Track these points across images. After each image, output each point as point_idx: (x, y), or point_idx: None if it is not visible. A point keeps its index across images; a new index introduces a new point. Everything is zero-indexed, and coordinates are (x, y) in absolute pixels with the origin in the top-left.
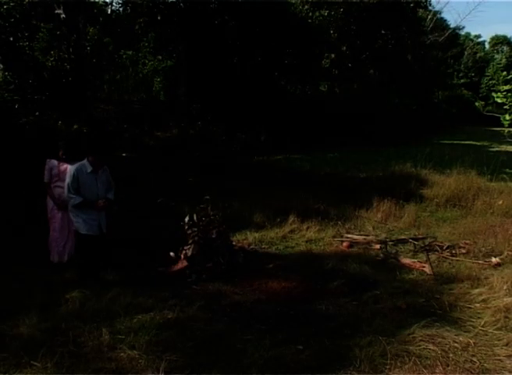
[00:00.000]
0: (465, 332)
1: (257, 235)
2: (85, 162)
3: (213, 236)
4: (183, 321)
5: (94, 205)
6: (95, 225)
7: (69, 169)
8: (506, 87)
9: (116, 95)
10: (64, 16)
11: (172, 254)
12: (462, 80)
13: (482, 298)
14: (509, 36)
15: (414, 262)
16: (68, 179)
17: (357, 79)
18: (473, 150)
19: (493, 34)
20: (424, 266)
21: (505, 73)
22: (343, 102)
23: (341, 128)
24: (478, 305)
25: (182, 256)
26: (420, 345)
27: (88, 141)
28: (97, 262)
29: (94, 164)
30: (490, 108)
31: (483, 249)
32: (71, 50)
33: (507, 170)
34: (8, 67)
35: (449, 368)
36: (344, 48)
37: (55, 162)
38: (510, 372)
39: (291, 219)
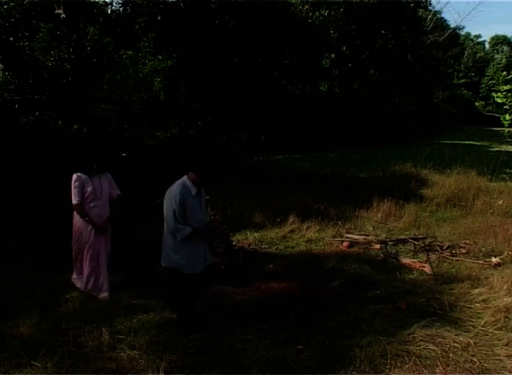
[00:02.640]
0: (465, 332)
1: (257, 235)
2: (185, 181)
3: (213, 236)
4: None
5: (201, 234)
6: (202, 260)
7: (170, 192)
8: (506, 87)
9: (116, 95)
10: (64, 16)
11: None
12: (462, 80)
13: (482, 298)
14: (509, 36)
15: (414, 262)
16: (172, 205)
17: (357, 79)
18: (473, 150)
19: (493, 34)
20: (424, 266)
21: (505, 73)
22: (343, 102)
23: (341, 128)
24: (478, 305)
25: None
26: (420, 345)
27: (191, 158)
28: (194, 303)
29: (197, 184)
30: (490, 108)
31: (483, 249)
32: (71, 50)
33: (507, 170)
34: (8, 67)
35: (449, 368)
36: (344, 48)
37: (85, 176)
38: (510, 372)
39: (291, 219)
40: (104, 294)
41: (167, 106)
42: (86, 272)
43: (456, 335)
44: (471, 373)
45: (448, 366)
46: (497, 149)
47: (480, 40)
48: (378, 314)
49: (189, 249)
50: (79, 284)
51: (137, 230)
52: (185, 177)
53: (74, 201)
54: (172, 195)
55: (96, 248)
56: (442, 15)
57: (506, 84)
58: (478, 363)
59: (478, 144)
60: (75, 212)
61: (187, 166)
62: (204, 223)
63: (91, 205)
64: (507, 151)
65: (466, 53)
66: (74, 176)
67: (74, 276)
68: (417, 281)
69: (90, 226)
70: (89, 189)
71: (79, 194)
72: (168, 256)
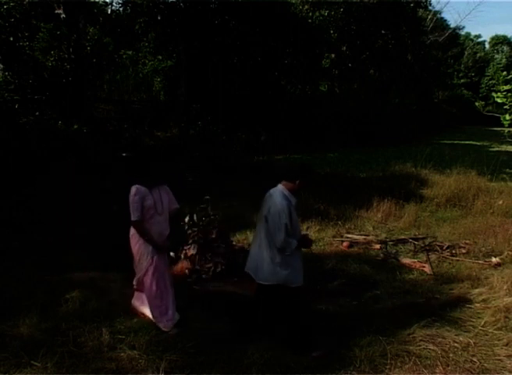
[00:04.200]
0: (465, 332)
1: None
2: (284, 191)
3: (213, 236)
4: (182, 321)
5: (305, 246)
6: (302, 273)
7: (277, 204)
8: (506, 87)
9: (116, 95)
10: (64, 16)
11: (172, 254)
12: (462, 80)
13: (482, 298)
14: (509, 36)
15: (414, 262)
16: (282, 219)
17: (357, 79)
18: (473, 150)
19: (493, 34)
20: (424, 266)
21: (505, 73)
22: (343, 102)
23: (341, 128)
24: (478, 305)
25: (182, 256)
26: (420, 345)
27: (287, 165)
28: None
29: (295, 193)
30: (490, 108)
31: (483, 249)
32: (71, 50)
33: (507, 170)
34: (8, 67)
35: (449, 368)
36: (344, 48)
37: (144, 189)
38: (510, 372)
39: None
40: (170, 324)
41: (167, 106)
42: (152, 299)
43: (456, 335)
44: (471, 373)
45: (448, 366)
46: (497, 149)
47: (480, 40)
48: (378, 314)
49: (295, 262)
50: (146, 312)
51: None
52: (281, 187)
53: (134, 217)
54: (279, 209)
55: (161, 271)
56: (442, 15)
57: (506, 84)
58: (478, 363)
59: (478, 144)
60: (133, 231)
61: (283, 174)
62: (301, 234)
63: (152, 221)
64: (507, 151)
65: (466, 53)
66: (133, 189)
67: (136, 303)
68: (417, 281)
69: (151, 247)
70: (149, 203)
71: (139, 209)
72: (276, 273)
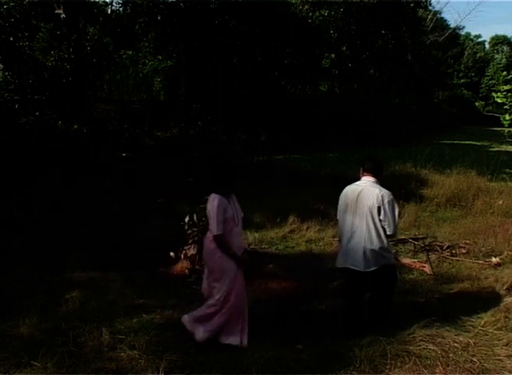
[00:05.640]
0: (465, 332)
1: (257, 235)
2: (377, 183)
3: None
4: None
5: None
6: None
7: (385, 195)
8: (506, 87)
9: (116, 95)
10: (64, 16)
11: (172, 254)
12: (462, 80)
13: (482, 298)
14: (509, 36)
15: (414, 262)
16: (395, 207)
17: (357, 79)
18: (473, 150)
19: (493, 34)
20: (424, 266)
21: (505, 73)
22: (343, 102)
23: (341, 128)
24: (478, 305)
25: (182, 256)
26: (420, 345)
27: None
28: None
29: None
30: (490, 108)
31: (483, 249)
32: (71, 50)
33: (507, 170)
34: (8, 67)
35: (449, 368)
36: (344, 48)
37: (224, 198)
38: (510, 372)
39: (291, 219)
40: (245, 340)
41: (167, 106)
42: (234, 317)
43: (456, 335)
44: (471, 373)
45: (448, 366)
46: (497, 149)
47: (480, 40)
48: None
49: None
50: (228, 339)
51: (137, 229)
52: (371, 179)
53: (218, 230)
54: (391, 199)
55: (241, 286)
56: (442, 15)
57: (506, 84)
58: (478, 363)
59: (478, 144)
60: (213, 245)
61: (378, 169)
62: None
63: (231, 234)
64: (507, 151)
65: (466, 53)
66: (215, 200)
67: (205, 328)
68: (417, 281)
69: (233, 262)
70: (230, 214)
71: (222, 221)
72: (384, 257)
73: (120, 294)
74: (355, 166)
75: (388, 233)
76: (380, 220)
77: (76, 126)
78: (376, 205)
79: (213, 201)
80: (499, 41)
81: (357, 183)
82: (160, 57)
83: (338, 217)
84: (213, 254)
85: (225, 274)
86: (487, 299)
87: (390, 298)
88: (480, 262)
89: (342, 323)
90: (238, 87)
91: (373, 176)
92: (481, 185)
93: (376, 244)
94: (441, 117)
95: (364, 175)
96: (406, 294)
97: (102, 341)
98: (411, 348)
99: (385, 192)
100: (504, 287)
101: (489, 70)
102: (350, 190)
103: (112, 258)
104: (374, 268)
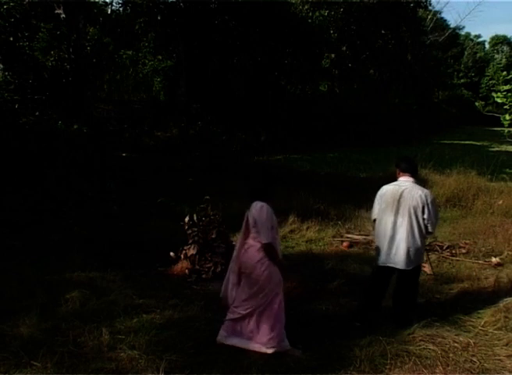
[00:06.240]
0: (465, 332)
1: None
2: (417, 183)
3: (213, 236)
4: (183, 321)
5: None
6: None
7: (428, 194)
8: (506, 87)
9: (116, 95)
10: (64, 16)
11: (172, 254)
12: (462, 80)
13: (482, 298)
14: (509, 36)
15: None
16: (437, 207)
17: (357, 79)
18: (473, 150)
19: (493, 34)
20: (424, 266)
21: (505, 73)
22: (343, 102)
23: (341, 128)
24: (478, 305)
25: (182, 256)
26: (420, 345)
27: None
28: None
29: None
30: (490, 108)
31: (483, 249)
32: (71, 50)
33: (507, 170)
34: (8, 67)
35: (449, 368)
36: (344, 48)
37: (269, 206)
38: (510, 372)
39: (291, 219)
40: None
41: (167, 106)
42: (280, 325)
43: (456, 335)
44: (471, 373)
45: (448, 366)
46: (497, 149)
47: (480, 40)
48: (377, 314)
49: None
50: (266, 348)
51: (137, 229)
52: (411, 179)
53: (268, 239)
54: (433, 198)
55: (282, 294)
56: (442, 15)
57: (506, 84)
58: (478, 363)
59: (478, 144)
60: (261, 254)
61: (415, 169)
62: None
63: (275, 242)
64: (507, 151)
65: (466, 53)
66: (264, 208)
67: (235, 340)
68: None
69: (278, 270)
70: (276, 222)
71: (270, 229)
72: (421, 256)
73: (120, 294)
74: (355, 166)
75: (430, 230)
76: (424, 219)
77: (76, 126)
78: (421, 205)
79: (261, 209)
80: (499, 41)
81: (397, 183)
82: (160, 57)
83: (375, 217)
84: (260, 263)
85: (272, 283)
86: (487, 299)
87: (417, 295)
88: (480, 262)
89: (356, 319)
90: (238, 87)
91: (411, 176)
92: (481, 185)
93: (418, 243)
94: (441, 117)
95: (401, 175)
96: None
97: (102, 341)
98: (411, 348)
99: (428, 192)
100: (504, 288)
101: (489, 70)
102: (390, 190)
103: (112, 258)
104: (413, 266)
